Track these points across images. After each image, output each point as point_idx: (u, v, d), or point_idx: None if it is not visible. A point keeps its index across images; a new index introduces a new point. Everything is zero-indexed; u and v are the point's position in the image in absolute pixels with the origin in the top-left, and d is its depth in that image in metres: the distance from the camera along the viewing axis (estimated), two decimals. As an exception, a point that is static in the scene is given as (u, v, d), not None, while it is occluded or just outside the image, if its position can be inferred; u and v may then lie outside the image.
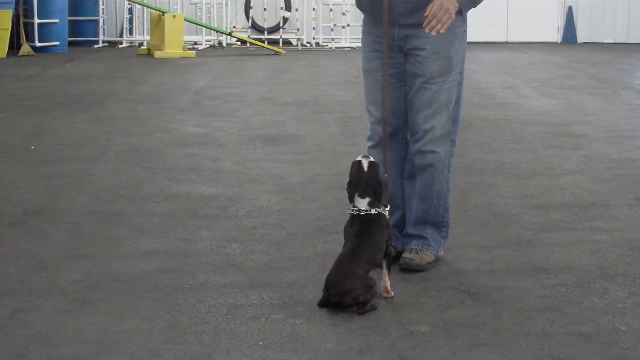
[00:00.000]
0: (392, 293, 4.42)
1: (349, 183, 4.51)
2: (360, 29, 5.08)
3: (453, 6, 4.58)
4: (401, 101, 4.90)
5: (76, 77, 13.66)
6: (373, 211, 4.44)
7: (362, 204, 4.45)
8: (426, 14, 4.57)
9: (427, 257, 4.84)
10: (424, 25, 4.59)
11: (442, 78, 4.76)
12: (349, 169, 4.53)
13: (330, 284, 4.26)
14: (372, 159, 4.54)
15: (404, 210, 5.01)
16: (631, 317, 4.19)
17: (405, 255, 4.83)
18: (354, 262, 4.29)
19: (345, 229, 4.52)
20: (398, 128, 4.94)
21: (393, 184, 4.95)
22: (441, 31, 4.58)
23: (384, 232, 4.45)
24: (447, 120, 4.82)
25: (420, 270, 4.78)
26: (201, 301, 4.37)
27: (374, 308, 4.27)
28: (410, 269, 4.78)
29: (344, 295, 4.21)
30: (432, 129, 4.79)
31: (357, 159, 4.52)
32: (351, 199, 4.49)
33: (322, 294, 4.31)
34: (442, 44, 4.72)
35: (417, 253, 4.83)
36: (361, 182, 4.47)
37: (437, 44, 4.71)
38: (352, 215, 4.48)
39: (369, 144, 4.98)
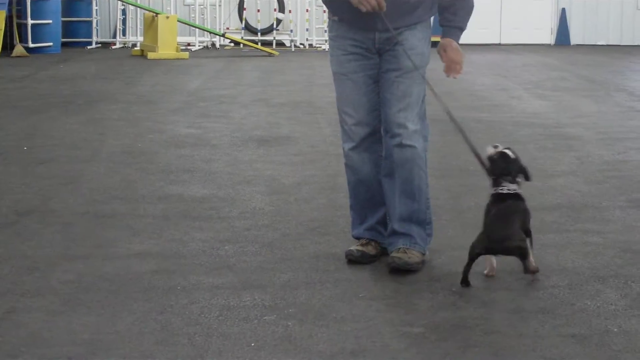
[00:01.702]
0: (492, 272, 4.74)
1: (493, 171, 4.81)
2: None
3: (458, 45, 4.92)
4: (377, 102, 4.94)
5: (69, 78, 13.65)
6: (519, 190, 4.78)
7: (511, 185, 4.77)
8: (444, 60, 4.89)
9: (414, 256, 4.84)
10: (444, 71, 4.90)
11: (416, 73, 4.85)
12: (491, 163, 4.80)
13: (491, 232, 4.59)
14: (500, 147, 4.86)
15: (387, 207, 5.03)
16: (623, 319, 4.20)
17: (394, 254, 4.83)
18: (514, 215, 4.68)
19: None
20: (376, 129, 4.97)
21: (375, 182, 5.00)
22: (461, 72, 4.89)
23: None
24: (418, 116, 4.88)
25: (410, 270, 4.78)
26: (193, 302, 4.37)
27: (537, 269, 4.70)
28: (399, 268, 4.77)
29: (506, 241, 4.55)
30: (406, 123, 4.84)
31: (490, 152, 4.84)
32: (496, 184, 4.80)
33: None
34: (417, 40, 4.87)
35: (405, 252, 4.83)
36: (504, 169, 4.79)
37: (413, 40, 4.85)
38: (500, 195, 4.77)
39: (349, 145, 5.00)
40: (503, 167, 4.79)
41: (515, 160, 4.82)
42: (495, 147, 4.86)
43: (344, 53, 4.93)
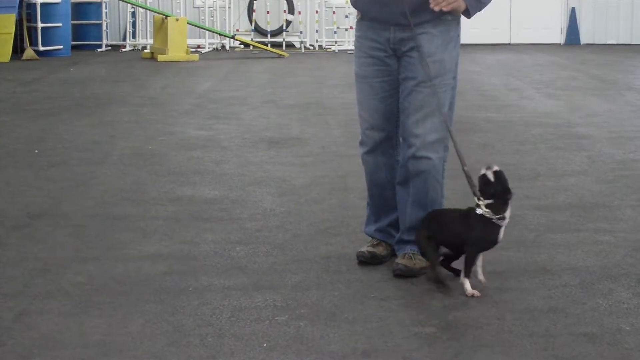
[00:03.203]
0: (474, 292, 4.51)
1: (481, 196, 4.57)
2: None
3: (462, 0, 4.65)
4: (395, 107, 4.88)
5: (80, 81, 13.68)
6: (488, 215, 4.53)
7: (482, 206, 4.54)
8: None
9: (420, 262, 4.80)
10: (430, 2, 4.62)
11: (435, 81, 4.72)
12: (480, 183, 4.57)
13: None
14: (496, 167, 4.56)
15: (398, 215, 5.01)
16: (635, 318, 4.19)
17: (399, 260, 4.82)
18: (424, 225, 4.63)
19: None
20: (391, 134, 4.94)
21: (389, 186, 4.99)
22: (444, 9, 4.61)
23: (475, 226, 4.56)
24: (439, 125, 4.75)
25: (413, 276, 4.76)
26: (205, 304, 4.38)
27: (437, 279, 4.57)
28: (403, 275, 4.75)
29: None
30: (424, 134, 4.73)
31: (482, 173, 4.56)
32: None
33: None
34: (436, 47, 4.72)
35: (411, 258, 4.80)
36: (492, 192, 4.54)
37: (430, 46, 4.72)
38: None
39: (363, 149, 4.99)
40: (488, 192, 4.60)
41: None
42: (489, 167, 4.61)
43: (364, 55, 4.90)
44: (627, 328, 4.07)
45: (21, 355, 3.79)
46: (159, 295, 4.49)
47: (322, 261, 5.02)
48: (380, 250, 5.00)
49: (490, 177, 4.54)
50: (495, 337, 3.99)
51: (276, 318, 4.20)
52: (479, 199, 4.54)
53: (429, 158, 4.76)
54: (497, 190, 4.52)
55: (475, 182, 4.57)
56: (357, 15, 4.97)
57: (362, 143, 5.01)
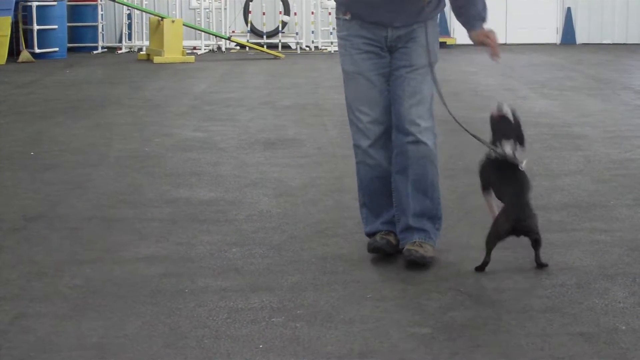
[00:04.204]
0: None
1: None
2: None
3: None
4: (389, 101, 4.96)
5: (76, 83, 13.68)
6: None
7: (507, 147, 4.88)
8: (492, 44, 5.01)
9: (429, 250, 4.87)
10: (492, 56, 5.04)
11: (425, 70, 4.90)
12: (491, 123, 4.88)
13: (521, 213, 4.74)
14: (505, 106, 4.94)
15: (398, 203, 5.03)
16: (631, 317, 4.19)
17: (410, 247, 4.86)
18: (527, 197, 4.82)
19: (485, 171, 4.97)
20: (389, 127, 4.99)
21: (390, 177, 5.02)
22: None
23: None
24: (427, 112, 4.91)
25: (424, 264, 4.80)
26: (201, 305, 4.38)
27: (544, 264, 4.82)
28: (416, 261, 4.79)
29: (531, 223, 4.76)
30: (418, 120, 4.86)
31: (494, 112, 4.93)
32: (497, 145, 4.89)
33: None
34: (429, 37, 4.91)
35: (421, 246, 4.86)
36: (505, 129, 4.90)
37: (425, 37, 4.90)
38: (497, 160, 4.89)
39: (366, 143, 4.99)
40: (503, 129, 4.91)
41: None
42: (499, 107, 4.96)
43: (358, 52, 4.94)
44: (624, 327, 4.07)
45: (18, 358, 3.79)
46: (155, 297, 4.49)
47: (319, 262, 5.03)
48: (392, 238, 5.02)
49: (510, 115, 4.95)
50: (491, 337, 3.99)
51: (273, 319, 4.20)
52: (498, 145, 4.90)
53: (426, 143, 4.89)
54: (514, 130, 4.95)
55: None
56: (344, 15, 4.98)
57: (361, 138, 4.99)
